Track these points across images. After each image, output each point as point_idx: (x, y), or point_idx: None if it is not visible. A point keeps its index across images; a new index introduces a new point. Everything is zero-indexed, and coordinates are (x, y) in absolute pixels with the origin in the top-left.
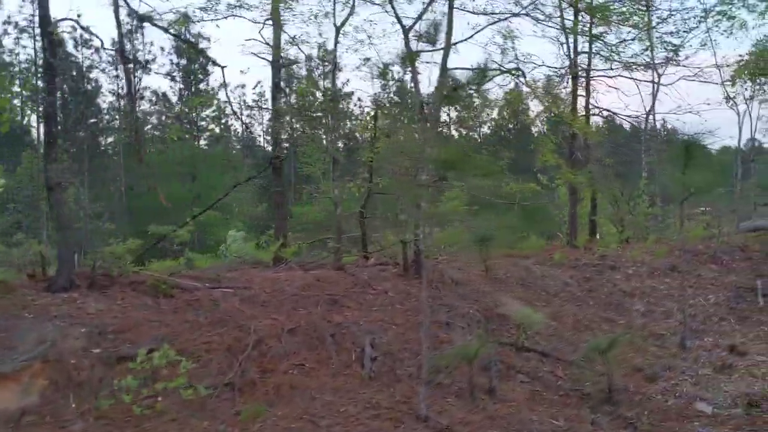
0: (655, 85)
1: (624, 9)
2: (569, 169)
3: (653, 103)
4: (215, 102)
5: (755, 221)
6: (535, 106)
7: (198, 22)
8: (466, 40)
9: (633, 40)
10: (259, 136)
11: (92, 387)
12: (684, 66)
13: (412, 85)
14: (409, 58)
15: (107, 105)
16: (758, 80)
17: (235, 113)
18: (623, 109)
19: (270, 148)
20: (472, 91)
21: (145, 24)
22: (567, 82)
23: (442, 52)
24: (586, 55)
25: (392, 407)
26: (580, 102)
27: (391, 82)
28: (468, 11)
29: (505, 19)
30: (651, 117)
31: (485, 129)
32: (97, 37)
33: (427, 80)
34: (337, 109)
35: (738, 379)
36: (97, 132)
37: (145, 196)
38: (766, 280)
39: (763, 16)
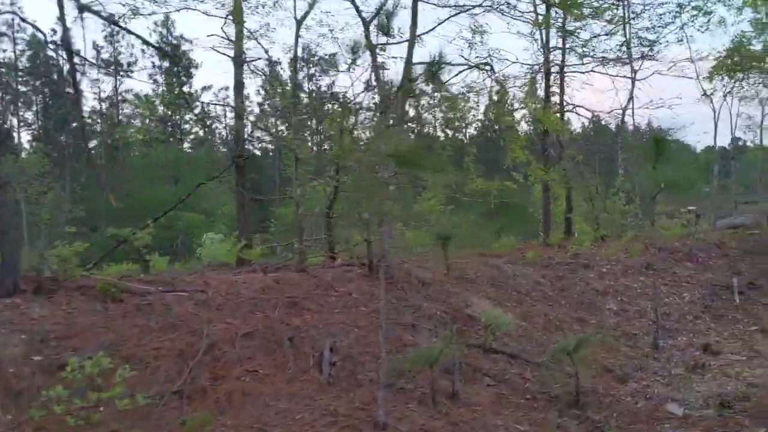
0: (632, 81)
1: (596, 4)
2: (540, 165)
3: (629, 99)
4: (196, 105)
5: (735, 218)
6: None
7: (149, 15)
8: (429, 32)
9: (607, 35)
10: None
11: (31, 396)
12: (657, 60)
13: (374, 78)
14: (369, 47)
15: (89, 108)
16: (735, 76)
17: (206, 114)
18: (596, 104)
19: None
20: (427, 84)
21: (85, 14)
22: (540, 79)
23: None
24: (560, 52)
25: (350, 414)
26: (555, 99)
27: (356, 67)
28: (433, 4)
29: (467, 10)
30: (627, 113)
31: (471, 130)
32: (39, 30)
33: (395, 75)
34: (299, 108)
35: (711, 379)
36: (79, 137)
37: (124, 200)
38: (743, 278)
39: (740, 12)
